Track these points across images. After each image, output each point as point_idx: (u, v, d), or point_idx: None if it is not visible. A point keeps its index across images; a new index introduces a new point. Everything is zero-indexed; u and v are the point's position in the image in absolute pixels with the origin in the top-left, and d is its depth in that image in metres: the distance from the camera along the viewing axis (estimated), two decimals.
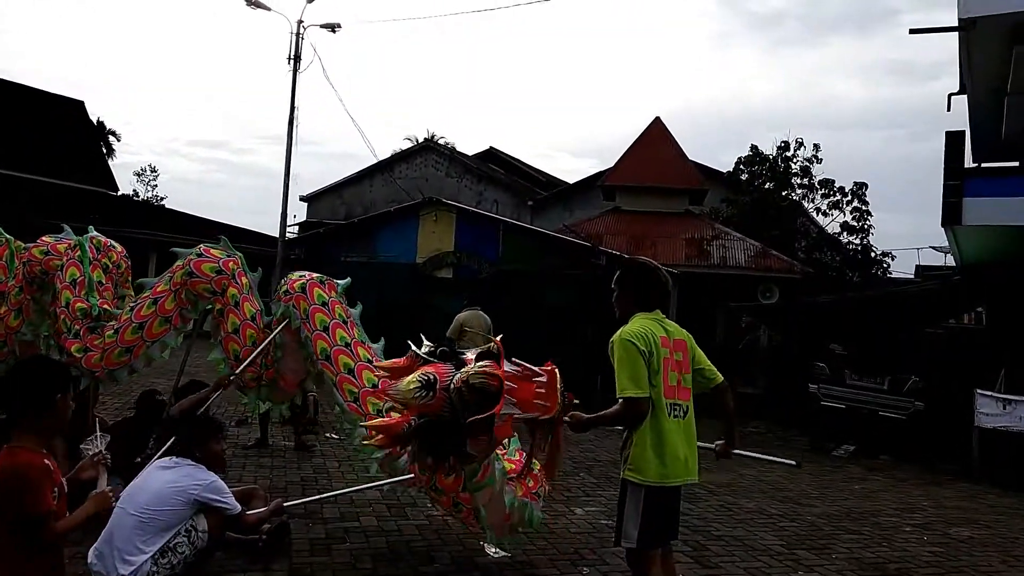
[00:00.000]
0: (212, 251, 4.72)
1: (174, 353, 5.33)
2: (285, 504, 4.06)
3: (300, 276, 4.74)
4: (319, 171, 77.97)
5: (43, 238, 5.28)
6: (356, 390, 4.43)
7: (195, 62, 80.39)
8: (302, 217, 28.63)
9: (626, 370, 3.10)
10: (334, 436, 8.60)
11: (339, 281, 4.95)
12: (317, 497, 3.95)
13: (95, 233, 5.30)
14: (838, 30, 71.75)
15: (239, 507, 3.66)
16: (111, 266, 5.16)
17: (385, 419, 3.67)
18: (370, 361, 4.54)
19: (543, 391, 3.22)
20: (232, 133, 73.88)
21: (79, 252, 5.01)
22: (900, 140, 62.80)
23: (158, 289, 4.74)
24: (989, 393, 9.20)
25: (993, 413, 8.97)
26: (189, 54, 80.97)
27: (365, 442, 4.08)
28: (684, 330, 3.39)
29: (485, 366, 3.14)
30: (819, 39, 72.04)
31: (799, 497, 7.40)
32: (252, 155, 72.77)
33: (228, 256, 4.70)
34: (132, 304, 4.79)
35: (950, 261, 21.81)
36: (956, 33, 11.43)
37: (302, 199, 29.19)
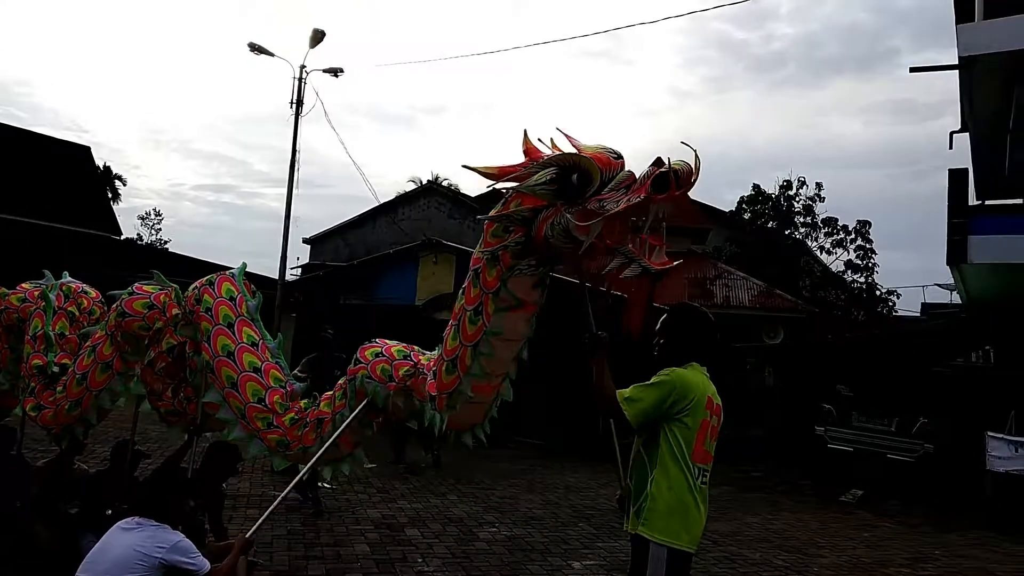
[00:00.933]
0: (144, 287, 4.38)
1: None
2: (248, 536, 3.82)
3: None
4: (325, 213, 78.60)
5: (22, 284, 5.12)
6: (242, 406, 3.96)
7: (202, 107, 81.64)
8: (305, 259, 28.64)
9: (644, 392, 2.93)
10: (326, 485, 8.39)
11: None
12: (267, 513, 3.68)
13: (67, 279, 5.12)
14: (839, 70, 72.62)
15: (208, 565, 3.47)
16: (79, 314, 4.93)
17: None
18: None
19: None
20: (239, 177, 74.58)
21: (43, 302, 4.85)
22: (903, 178, 62.99)
23: (96, 336, 4.53)
24: (999, 436, 8.96)
25: (1004, 456, 8.72)
26: (197, 99, 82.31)
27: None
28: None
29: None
30: (820, 80, 72.90)
31: (806, 546, 7.14)
32: (258, 199, 73.40)
33: (161, 289, 4.36)
34: (77, 355, 4.60)
35: (956, 299, 21.63)
36: (956, 72, 11.45)
37: (305, 241, 29.24)
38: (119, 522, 3.40)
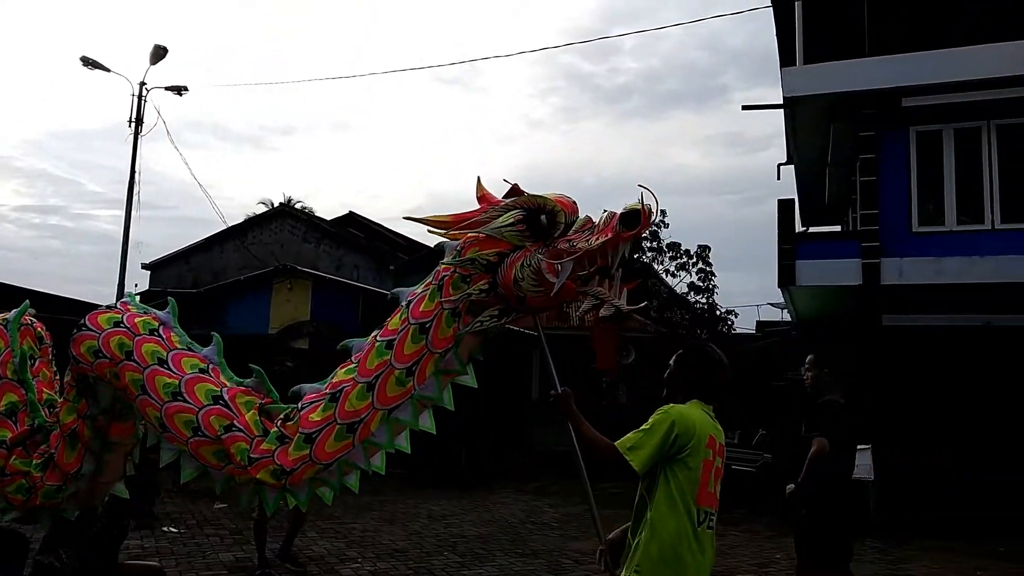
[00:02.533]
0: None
1: None
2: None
3: None
4: (167, 237, 73.88)
5: None
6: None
7: (26, 123, 74.97)
8: (144, 286, 26.82)
9: (645, 438, 2.79)
10: (172, 529, 7.84)
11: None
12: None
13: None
14: (678, 104, 77.43)
15: None
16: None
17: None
18: None
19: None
20: (68, 198, 68.83)
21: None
22: (737, 204, 67.86)
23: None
24: None
25: None
26: (18, 114, 75.49)
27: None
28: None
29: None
30: (661, 113, 77.44)
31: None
32: (90, 221, 68.00)
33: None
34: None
35: (787, 316, 23.45)
36: (782, 109, 12.52)
37: (144, 267, 27.33)
38: None
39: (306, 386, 3.24)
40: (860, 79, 10.92)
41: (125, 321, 3.41)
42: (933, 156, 10.79)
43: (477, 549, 7.48)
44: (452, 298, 3.00)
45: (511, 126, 79.79)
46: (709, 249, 23.77)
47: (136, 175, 16.60)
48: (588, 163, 72.21)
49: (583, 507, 9.95)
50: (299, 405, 3.17)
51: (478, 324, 3.00)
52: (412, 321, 3.04)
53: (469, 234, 3.00)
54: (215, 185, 76.29)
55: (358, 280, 20.62)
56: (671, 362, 3.10)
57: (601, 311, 2.89)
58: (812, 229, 17.15)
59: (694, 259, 23.73)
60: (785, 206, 11.76)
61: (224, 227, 26.30)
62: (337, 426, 3.01)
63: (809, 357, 5.28)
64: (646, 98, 77.97)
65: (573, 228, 2.92)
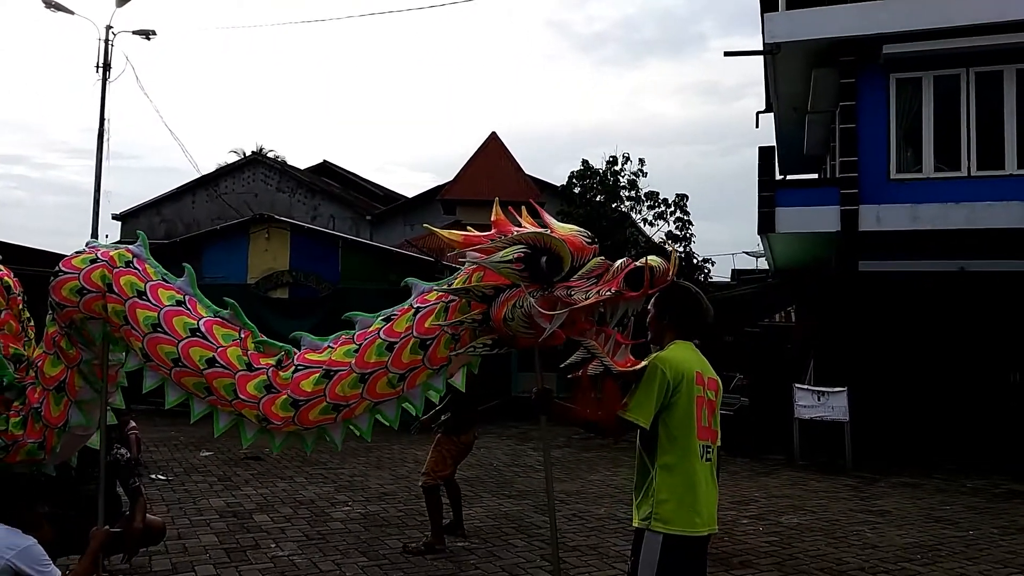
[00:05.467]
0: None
1: None
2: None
3: None
4: (137, 187, 72.40)
5: None
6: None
7: None
8: (116, 237, 26.37)
9: (640, 392, 2.81)
10: (160, 477, 7.88)
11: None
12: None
13: None
14: (655, 53, 76.61)
15: (59, 574, 3.21)
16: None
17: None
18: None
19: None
20: (33, 147, 66.94)
21: None
22: (711, 154, 67.93)
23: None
24: (805, 387, 10.00)
25: (809, 404, 9.74)
26: None
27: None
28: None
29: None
30: (638, 61, 76.65)
31: None
32: (57, 170, 66.33)
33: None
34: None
35: (762, 264, 23.75)
36: (761, 57, 12.48)
37: (115, 217, 26.86)
38: None
39: (306, 337, 3.31)
40: (842, 25, 10.93)
41: (100, 256, 3.41)
42: (912, 104, 10.87)
43: (465, 491, 7.58)
44: (453, 322, 3.04)
45: (489, 73, 78.54)
46: (687, 198, 23.85)
47: (105, 123, 16.17)
48: (565, 111, 71.56)
49: (566, 450, 10.18)
50: (295, 360, 3.23)
51: (471, 349, 3.05)
52: (415, 335, 3.10)
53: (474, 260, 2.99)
54: (185, 134, 74.75)
55: (334, 230, 20.46)
56: (651, 306, 3.03)
57: (590, 368, 2.86)
58: (790, 177, 17.27)
59: (672, 208, 23.86)
60: (766, 153, 11.82)
61: (196, 176, 25.85)
62: (325, 402, 3.13)
63: None
64: (623, 45, 77.08)
65: (584, 269, 2.83)
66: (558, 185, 23.38)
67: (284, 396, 3.12)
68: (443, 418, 6.00)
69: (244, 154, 29.63)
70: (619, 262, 2.85)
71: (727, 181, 60.87)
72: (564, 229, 2.99)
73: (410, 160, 69.96)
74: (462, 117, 73.68)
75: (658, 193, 23.79)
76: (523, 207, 3.21)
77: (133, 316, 3.27)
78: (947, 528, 6.64)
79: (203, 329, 3.28)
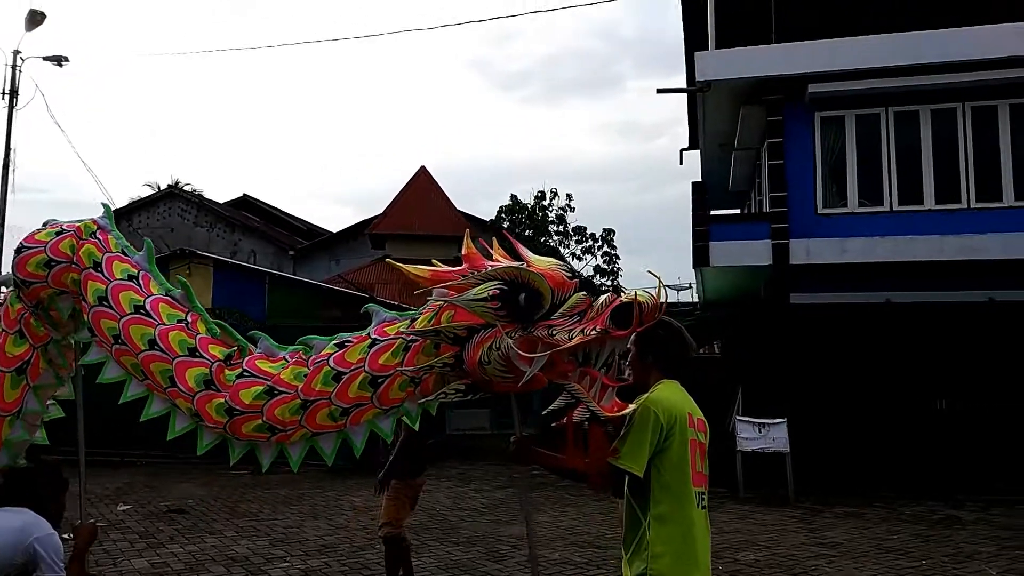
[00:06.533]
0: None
1: None
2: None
3: None
4: (40, 222, 68.53)
5: None
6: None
7: None
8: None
9: (632, 437, 2.56)
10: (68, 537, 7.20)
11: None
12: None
13: None
14: (575, 92, 78.23)
15: None
16: None
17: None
18: None
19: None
20: None
21: None
22: (634, 191, 69.41)
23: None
24: (746, 419, 10.05)
25: (751, 437, 9.79)
26: None
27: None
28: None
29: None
30: (560, 100, 77.96)
31: (597, 540, 7.43)
32: None
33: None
34: None
35: (684, 297, 24.16)
36: (682, 96, 12.80)
37: None
38: (3, 508, 3.03)
39: (265, 340, 3.12)
40: (768, 64, 11.26)
41: (67, 228, 3.26)
42: (836, 141, 11.26)
43: (410, 540, 7.24)
44: (416, 366, 2.80)
45: (416, 109, 78.56)
46: (614, 233, 24.35)
47: (11, 153, 15.18)
48: (491, 147, 72.14)
49: (509, 491, 9.89)
50: (244, 363, 3.01)
51: (442, 396, 2.80)
52: (367, 370, 2.84)
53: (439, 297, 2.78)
54: (97, 166, 71.54)
55: (256, 265, 19.75)
56: (631, 343, 2.71)
57: (575, 413, 2.61)
58: (717, 212, 17.68)
59: (599, 243, 24.28)
60: (699, 188, 12.02)
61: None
62: (260, 420, 2.93)
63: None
64: (545, 84, 78.43)
65: (566, 306, 2.61)
66: (487, 220, 23.39)
67: (221, 400, 2.92)
68: (392, 459, 5.62)
69: (159, 187, 28.54)
70: (602, 298, 2.64)
71: (649, 216, 62.11)
72: (542, 263, 2.77)
73: (333, 193, 68.89)
74: (386, 151, 73.21)
75: (586, 228, 24.19)
76: (494, 239, 3.01)
77: (85, 287, 3.11)
78: (900, 559, 6.68)
79: (148, 307, 3.08)
